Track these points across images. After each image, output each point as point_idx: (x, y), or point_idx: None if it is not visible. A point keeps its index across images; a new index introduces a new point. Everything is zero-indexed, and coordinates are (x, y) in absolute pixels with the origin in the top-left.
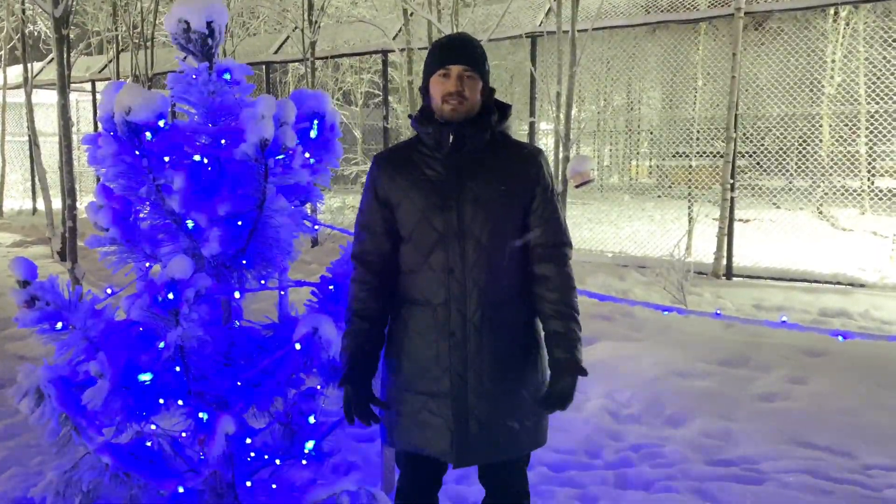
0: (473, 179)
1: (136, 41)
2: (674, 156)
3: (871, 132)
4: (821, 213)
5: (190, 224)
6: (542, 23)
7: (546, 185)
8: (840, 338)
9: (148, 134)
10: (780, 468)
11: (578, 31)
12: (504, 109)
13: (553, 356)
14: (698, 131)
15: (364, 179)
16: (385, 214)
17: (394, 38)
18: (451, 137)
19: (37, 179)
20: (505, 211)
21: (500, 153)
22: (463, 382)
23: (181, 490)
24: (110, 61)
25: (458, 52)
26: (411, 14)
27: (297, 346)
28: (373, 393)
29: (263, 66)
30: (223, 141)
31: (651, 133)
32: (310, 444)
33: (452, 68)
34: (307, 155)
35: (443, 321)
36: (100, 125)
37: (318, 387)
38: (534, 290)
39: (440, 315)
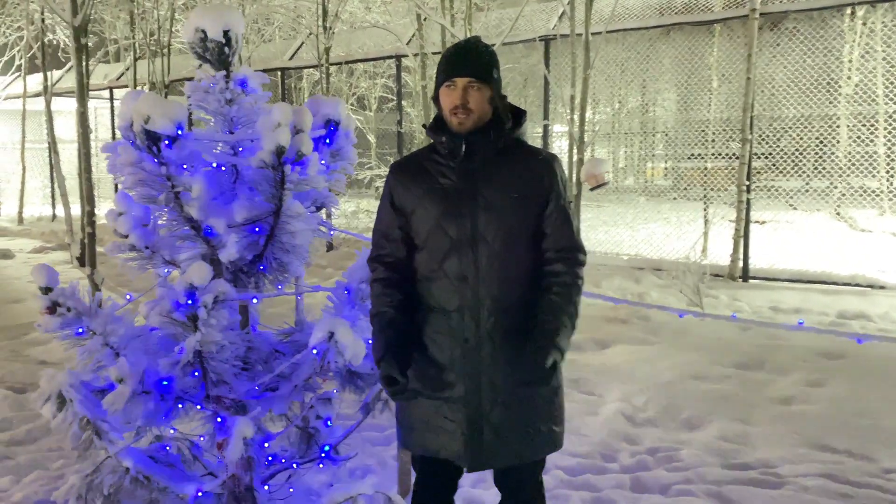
0: (487, 187)
1: (153, 49)
2: (689, 157)
3: (890, 132)
4: (838, 214)
5: (207, 230)
6: (555, 26)
7: (560, 191)
8: (857, 341)
9: (166, 142)
10: (798, 472)
11: (592, 33)
12: (518, 116)
13: (534, 340)
14: (714, 133)
15: (378, 184)
16: (401, 222)
17: (407, 43)
18: (464, 146)
19: (56, 186)
20: (518, 218)
21: (514, 160)
22: (476, 388)
23: (200, 494)
24: (128, 69)
25: (462, 64)
26: (425, 19)
27: (314, 351)
28: (405, 378)
29: (279, 72)
30: (240, 148)
31: (666, 135)
32: (326, 448)
33: (457, 81)
34: (322, 161)
35: (456, 328)
36: (118, 133)
37: (335, 391)
38: (540, 286)
39: (454, 321)
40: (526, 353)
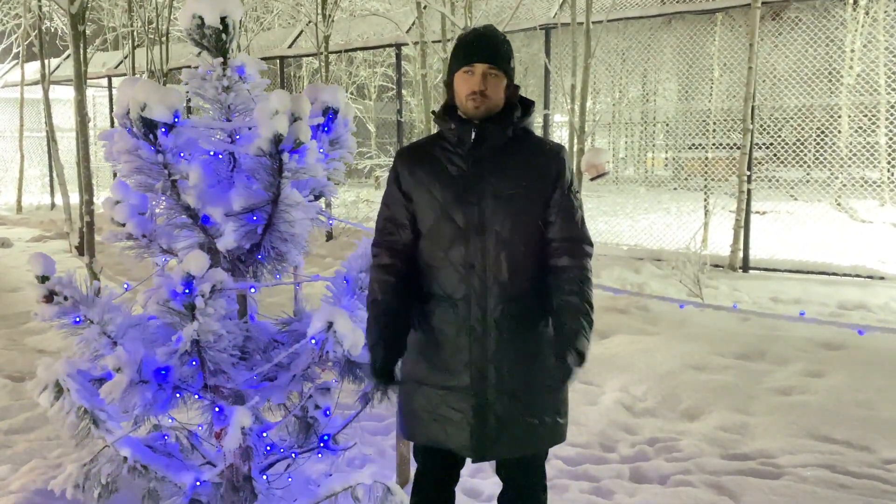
0: (494, 175)
1: (152, 36)
2: (690, 147)
3: (891, 122)
4: (839, 204)
5: (205, 218)
6: (556, 14)
7: (567, 181)
8: (857, 331)
9: (163, 130)
10: (797, 462)
11: (593, 22)
12: (527, 105)
13: (556, 344)
14: (715, 123)
15: (378, 173)
16: (408, 207)
17: (407, 32)
18: (473, 134)
19: (54, 174)
20: (525, 206)
21: (521, 149)
22: (483, 378)
23: (198, 483)
24: (126, 57)
25: (483, 49)
26: (425, 7)
27: (312, 341)
28: (394, 376)
29: (278, 61)
30: (237, 136)
31: (667, 125)
32: (325, 438)
33: (477, 66)
34: (321, 149)
35: (463, 316)
36: (116, 121)
37: (334, 380)
38: (549, 281)
39: (460, 310)
40: (541, 352)
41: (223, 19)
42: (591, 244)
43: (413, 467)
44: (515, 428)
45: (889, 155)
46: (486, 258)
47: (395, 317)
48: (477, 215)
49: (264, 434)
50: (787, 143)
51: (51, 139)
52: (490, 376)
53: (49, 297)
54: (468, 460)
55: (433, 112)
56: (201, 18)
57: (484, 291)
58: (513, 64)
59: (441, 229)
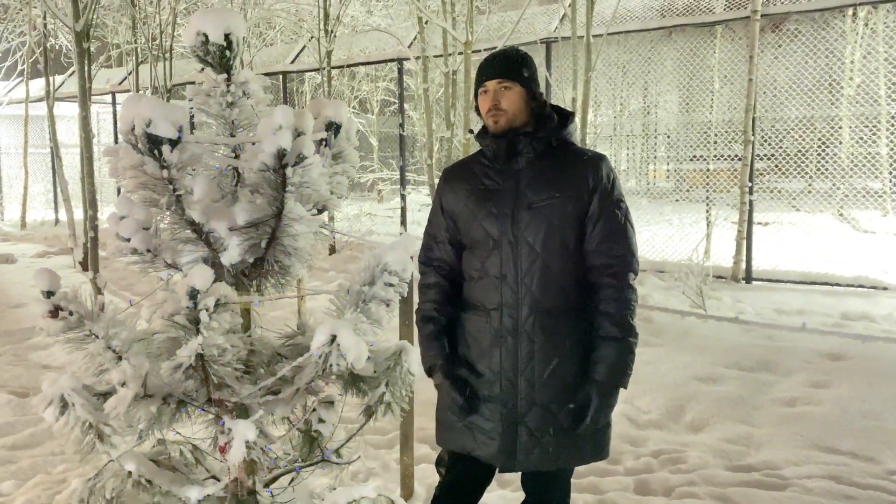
0: (529, 187)
1: (155, 53)
2: (691, 159)
3: (893, 133)
4: (841, 215)
5: (209, 233)
6: (556, 28)
7: (606, 192)
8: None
9: (168, 145)
10: (802, 474)
11: (593, 36)
12: (565, 116)
13: (591, 374)
14: (716, 134)
15: (380, 187)
16: (449, 224)
17: (409, 46)
18: (506, 147)
19: (59, 190)
20: (561, 218)
21: (559, 160)
22: (513, 388)
23: (203, 497)
24: (130, 73)
25: (492, 68)
26: (426, 22)
27: (316, 354)
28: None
29: (280, 76)
30: (241, 151)
31: (668, 137)
32: (329, 451)
33: (488, 84)
34: (324, 164)
35: (495, 326)
36: (121, 137)
37: (338, 394)
38: (591, 299)
39: (493, 320)
40: (576, 366)
41: (227, 36)
42: (633, 257)
43: (417, 481)
44: (548, 440)
45: (891, 165)
46: (519, 269)
47: (446, 328)
48: (510, 227)
49: (268, 448)
50: (788, 154)
51: (55, 155)
52: (520, 387)
53: (54, 312)
54: (498, 470)
55: (471, 131)
56: (206, 36)
57: (516, 302)
58: (527, 74)
59: (478, 241)
